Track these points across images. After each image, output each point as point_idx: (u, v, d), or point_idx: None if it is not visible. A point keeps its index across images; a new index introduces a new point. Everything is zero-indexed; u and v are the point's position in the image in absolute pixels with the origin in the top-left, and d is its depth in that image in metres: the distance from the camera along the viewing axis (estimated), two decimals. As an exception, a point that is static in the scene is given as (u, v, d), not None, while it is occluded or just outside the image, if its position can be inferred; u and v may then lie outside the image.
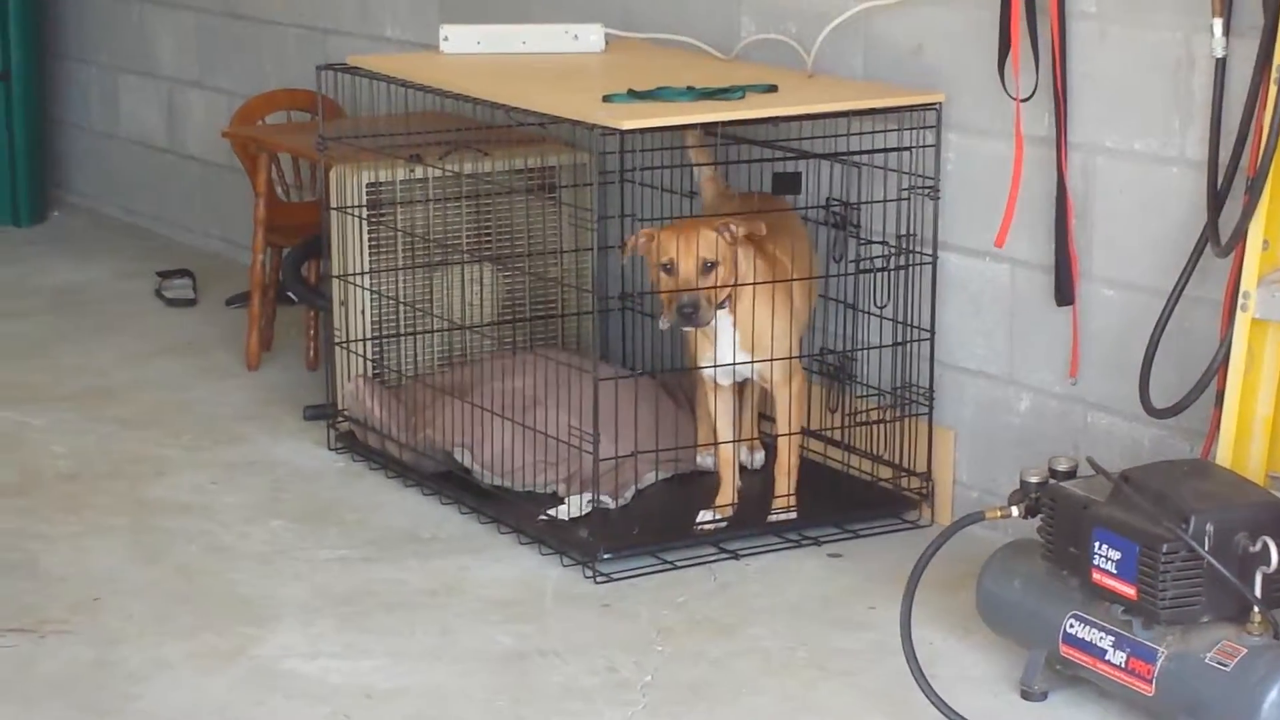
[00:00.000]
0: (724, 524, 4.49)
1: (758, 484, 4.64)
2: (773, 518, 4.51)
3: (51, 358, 5.99)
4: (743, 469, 4.65)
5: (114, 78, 7.68)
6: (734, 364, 4.45)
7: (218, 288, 6.64)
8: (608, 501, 4.51)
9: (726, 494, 4.52)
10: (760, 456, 4.77)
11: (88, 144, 7.91)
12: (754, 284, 4.40)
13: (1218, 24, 3.87)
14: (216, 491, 4.90)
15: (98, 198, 7.88)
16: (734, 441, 4.55)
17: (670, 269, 4.34)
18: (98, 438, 5.28)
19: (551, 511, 4.53)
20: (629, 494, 4.62)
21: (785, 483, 4.52)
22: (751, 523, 4.51)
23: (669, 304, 4.34)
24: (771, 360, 4.45)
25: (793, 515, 4.52)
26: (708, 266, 4.32)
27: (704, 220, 4.46)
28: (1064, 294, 4.31)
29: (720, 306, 4.37)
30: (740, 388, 4.63)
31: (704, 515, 4.50)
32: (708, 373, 4.48)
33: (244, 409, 5.50)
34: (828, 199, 4.73)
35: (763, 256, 4.45)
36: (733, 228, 4.35)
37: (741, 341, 4.43)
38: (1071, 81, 4.26)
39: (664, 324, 4.40)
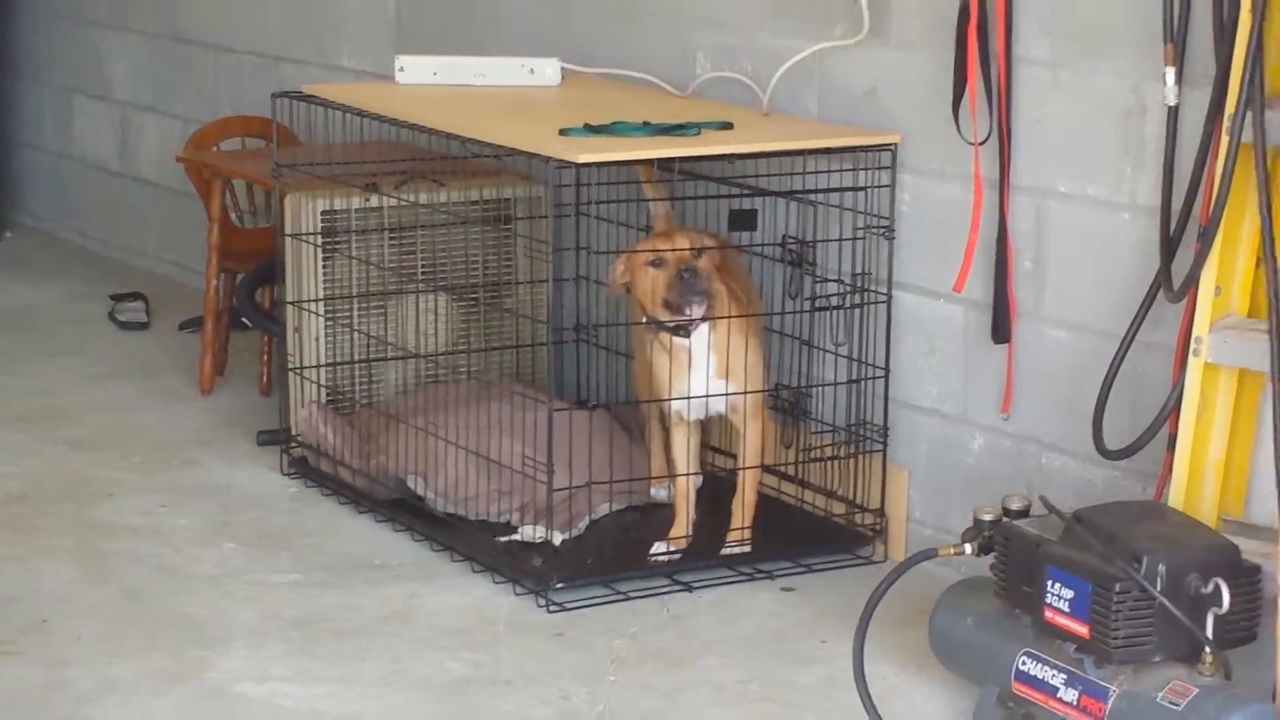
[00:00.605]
0: (678, 556, 4.51)
1: (708, 517, 4.66)
2: (727, 550, 4.53)
3: (2, 378, 5.96)
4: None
5: (69, 99, 7.66)
6: (707, 396, 4.45)
7: (171, 312, 6.62)
8: (558, 535, 4.51)
9: (681, 526, 4.54)
10: (698, 480, 4.78)
11: (42, 165, 7.88)
12: (729, 317, 4.43)
13: (1170, 72, 3.91)
14: (167, 514, 4.89)
15: (51, 220, 7.86)
16: (689, 474, 4.57)
17: (659, 262, 4.35)
18: (47, 459, 5.27)
19: (505, 538, 4.53)
20: (583, 524, 4.63)
21: (742, 516, 4.55)
22: (705, 555, 4.53)
23: (668, 285, 4.31)
24: (745, 393, 4.46)
25: (747, 548, 4.54)
26: (697, 254, 4.35)
27: (673, 230, 4.51)
28: (1000, 332, 4.36)
29: (703, 320, 4.38)
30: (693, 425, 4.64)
31: (658, 547, 4.52)
32: (676, 405, 4.49)
33: (196, 433, 5.49)
34: (784, 236, 4.77)
35: (728, 290, 4.49)
36: (707, 240, 4.39)
37: (717, 369, 4.45)
38: (1022, 126, 4.31)
39: (658, 317, 4.35)
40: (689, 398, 4.46)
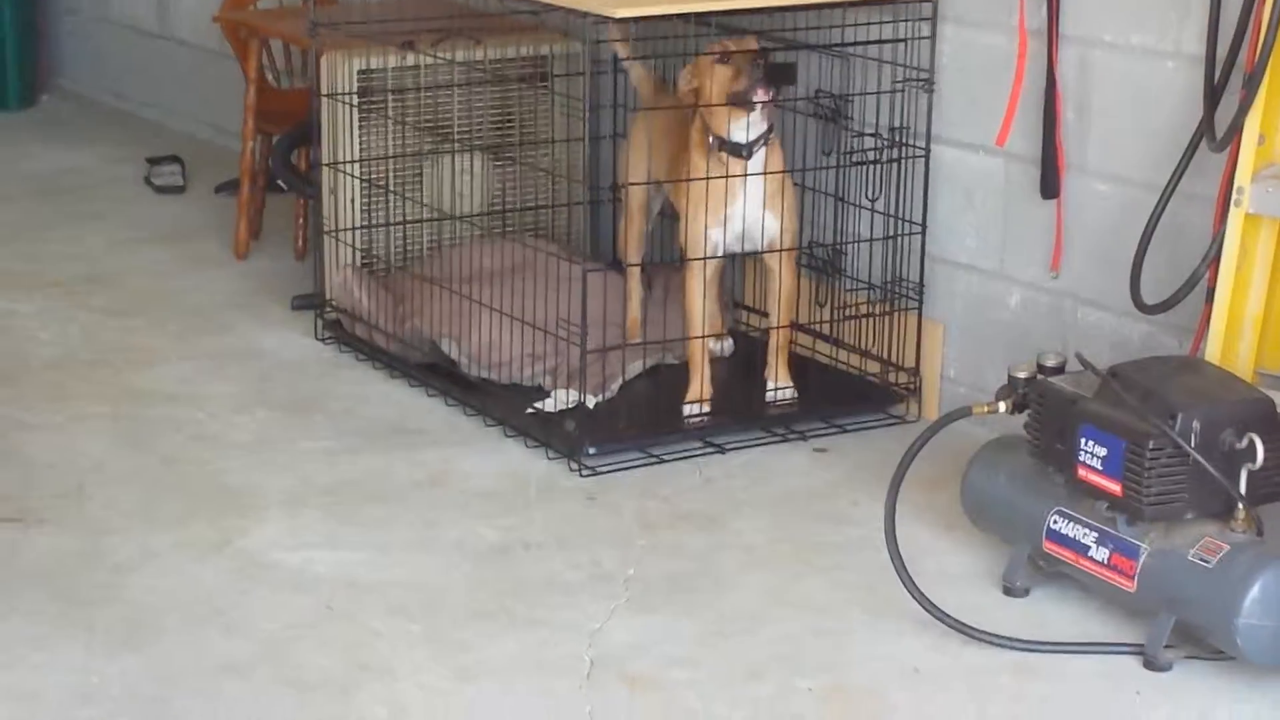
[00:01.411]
0: (708, 414, 4.47)
1: (741, 377, 4.61)
2: (771, 394, 4.51)
3: (38, 244, 5.95)
4: (713, 358, 4.62)
5: (105, -39, 7.61)
6: (777, 231, 4.43)
7: (207, 175, 6.59)
8: (591, 399, 4.48)
9: (697, 387, 4.49)
10: (730, 344, 4.74)
11: (78, 29, 7.84)
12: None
13: (1219, -83, 3.81)
14: (202, 381, 4.88)
15: (87, 83, 7.82)
16: (703, 337, 4.49)
17: (727, 57, 4.33)
18: (83, 325, 5.26)
19: (538, 404, 4.51)
20: (615, 386, 4.59)
21: (784, 361, 4.52)
22: (739, 415, 4.50)
23: (737, 75, 4.31)
24: (780, 225, 4.44)
25: (792, 394, 4.52)
26: (763, 54, 4.37)
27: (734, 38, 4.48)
28: (1049, 188, 4.28)
29: (765, 141, 4.39)
30: (715, 274, 4.57)
31: (689, 409, 4.48)
32: (712, 238, 4.42)
33: (231, 298, 5.47)
34: (816, 91, 4.68)
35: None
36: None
37: (770, 198, 4.42)
38: (1068, -26, 4.21)
39: (719, 126, 4.36)
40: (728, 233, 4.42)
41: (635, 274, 4.80)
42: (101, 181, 6.64)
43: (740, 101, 4.34)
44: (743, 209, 4.41)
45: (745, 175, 4.39)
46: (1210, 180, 3.89)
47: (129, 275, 5.67)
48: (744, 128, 4.38)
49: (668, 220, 4.83)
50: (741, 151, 4.39)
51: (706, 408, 4.49)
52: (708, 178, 4.40)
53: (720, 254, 4.48)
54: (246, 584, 3.82)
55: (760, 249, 4.49)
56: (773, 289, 4.53)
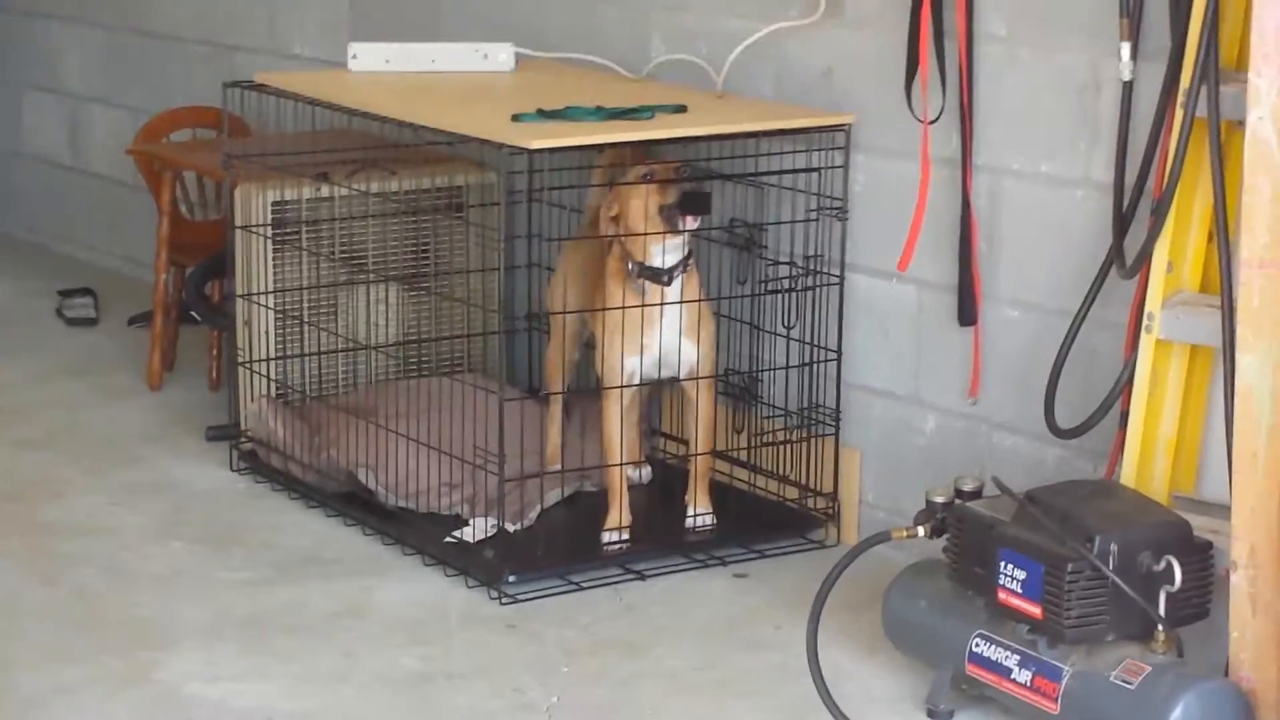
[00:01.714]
0: (627, 541, 4.47)
1: (661, 504, 4.62)
2: (691, 520, 4.53)
3: (-51, 377, 5.92)
4: (631, 485, 4.63)
5: (17, 94, 7.59)
6: (694, 360, 4.46)
7: (120, 307, 6.56)
8: (510, 526, 4.47)
9: (616, 515, 4.50)
10: (648, 471, 4.76)
11: (-12, 161, 7.81)
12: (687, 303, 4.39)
13: (1125, 48, 3.89)
14: (116, 513, 4.83)
15: (-2, 215, 7.79)
16: (620, 465, 4.50)
17: (652, 174, 4.35)
18: (-5, 458, 5.22)
19: (457, 533, 4.49)
20: (533, 514, 4.59)
21: (704, 487, 4.55)
22: (658, 542, 4.50)
23: (665, 192, 4.32)
24: (698, 352, 4.46)
25: (711, 519, 4.54)
26: (687, 169, 4.38)
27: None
28: (966, 314, 4.33)
29: (684, 267, 4.41)
30: (632, 401, 4.59)
31: (608, 537, 4.48)
32: (629, 366, 4.43)
33: (145, 430, 5.43)
34: (731, 220, 4.73)
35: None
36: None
37: (687, 326, 4.44)
38: (979, 103, 4.27)
39: (636, 257, 4.36)
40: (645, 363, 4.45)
41: (558, 402, 4.81)
42: (13, 314, 6.59)
43: (668, 217, 4.34)
44: (659, 336, 4.43)
45: (663, 303, 4.42)
46: (1121, 306, 3.94)
47: (41, 408, 5.63)
48: (664, 252, 4.40)
49: (587, 349, 4.85)
50: (662, 277, 4.40)
51: (626, 535, 4.49)
52: (624, 306, 4.42)
53: (638, 381, 4.50)
54: (162, 718, 3.77)
55: (679, 376, 4.51)
56: (691, 416, 4.54)
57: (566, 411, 4.91)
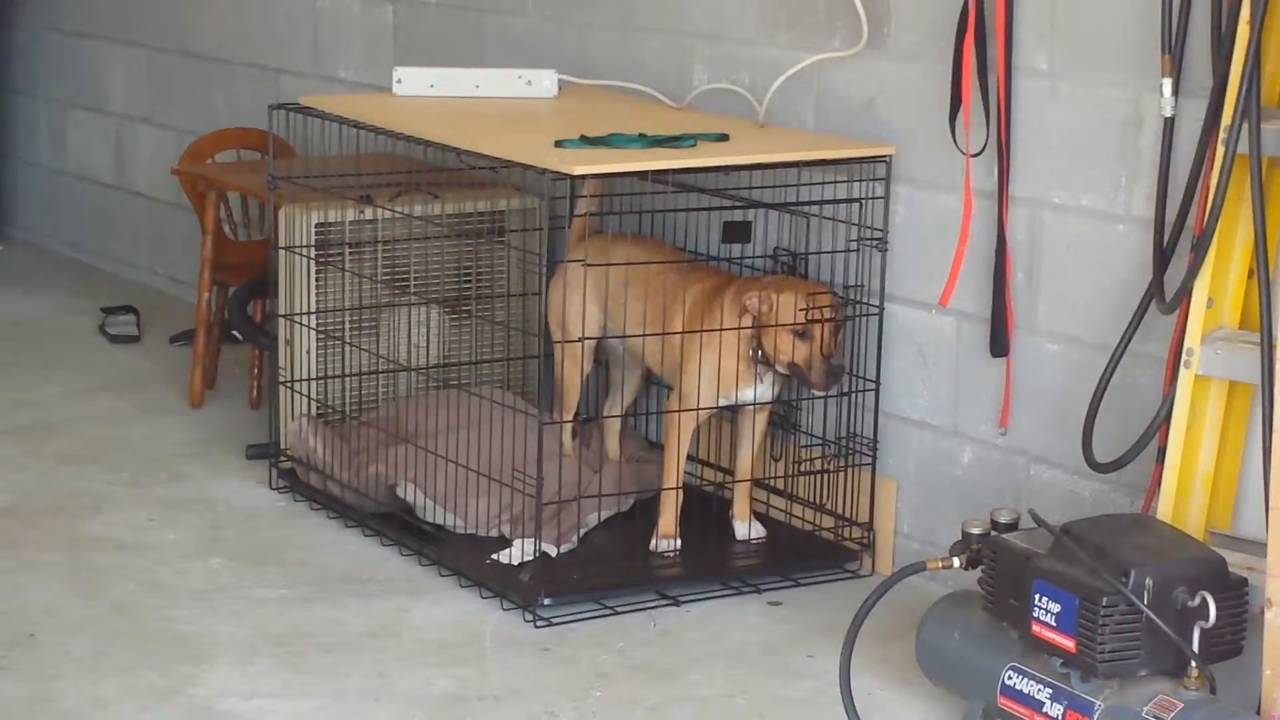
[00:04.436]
0: (678, 549, 4.54)
1: (692, 529, 4.62)
2: (745, 534, 4.62)
3: (-8, 391, 5.96)
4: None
5: (63, 113, 7.65)
6: (769, 397, 4.57)
7: (162, 325, 6.61)
8: (550, 549, 4.49)
9: (669, 522, 4.56)
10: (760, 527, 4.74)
11: (35, 179, 7.87)
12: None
13: (1167, 84, 3.90)
14: (156, 529, 4.86)
15: (43, 233, 7.85)
16: (676, 484, 4.55)
17: (806, 334, 4.40)
18: (36, 473, 5.24)
19: (499, 554, 4.51)
20: (575, 538, 4.60)
21: (746, 501, 4.63)
22: (693, 568, 4.52)
23: (809, 361, 4.39)
24: (773, 390, 4.58)
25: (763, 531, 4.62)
26: (839, 320, 4.45)
27: (805, 282, 4.53)
28: (999, 345, 4.34)
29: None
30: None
31: (663, 544, 4.56)
32: (709, 400, 4.50)
33: (186, 447, 5.47)
34: (775, 249, 4.75)
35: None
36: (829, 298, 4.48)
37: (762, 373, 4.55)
38: (1020, 137, 4.29)
39: (780, 370, 4.46)
40: (759, 402, 4.55)
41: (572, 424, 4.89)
42: (56, 331, 6.65)
43: (798, 373, 4.42)
44: (753, 390, 4.52)
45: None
46: (1160, 341, 3.95)
47: (83, 423, 5.67)
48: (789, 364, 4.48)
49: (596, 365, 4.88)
50: (776, 368, 4.49)
51: (677, 544, 4.52)
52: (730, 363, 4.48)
53: (711, 409, 4.56)
54: (198, 733, 3.81)
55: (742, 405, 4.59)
56: (745, 435, 4.59)
57: (574, 433, 4.93)
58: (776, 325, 4.40)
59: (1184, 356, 3.75)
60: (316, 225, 5.11)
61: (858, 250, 4.58)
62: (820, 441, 4.70)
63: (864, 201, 4.55)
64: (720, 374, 4.48)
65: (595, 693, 4.00)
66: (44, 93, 7.76)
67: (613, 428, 4.92)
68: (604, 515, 4.73)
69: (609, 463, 4.88)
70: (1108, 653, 3.45)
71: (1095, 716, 3.49)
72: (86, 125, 7.52)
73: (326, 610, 4.38)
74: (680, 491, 4.55)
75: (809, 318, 4.39)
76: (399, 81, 5.14)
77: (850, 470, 4.64)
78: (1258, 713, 3.47)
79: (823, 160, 4.51)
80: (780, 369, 4.47)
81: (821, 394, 4.48)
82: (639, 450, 4.97)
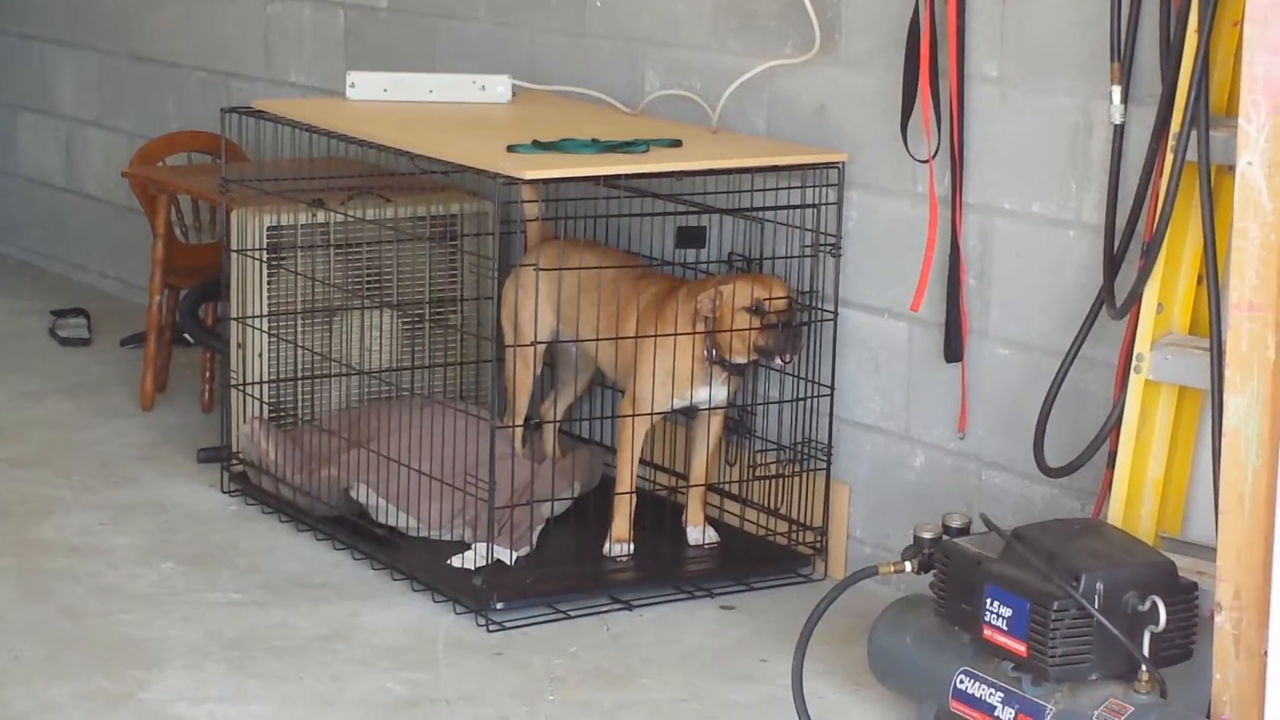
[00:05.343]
0: (631, 553, 4.55)
1: (651, 535, 4.63)
2: (698, 539, 4.61)
3: (-59, 396, 5.92)
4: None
5: (13, 116, 7.61)
6: (724, 400, 4.58)
7: (113, 328, 6.58)
8: (508, 553, 4.48)
9: (622, 526, 4.57)
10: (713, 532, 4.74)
11: (-16, 182, 7.84)
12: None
13: (1116, 91, 3.92)
14: (106, 532, 4.84)
15: (-8, 235, 7.81)
16: (629, 488, 4.55)
17: (759, 309, 4.39)
18: (-14, 476, 5.23)
19: (456, 559, 4.50)
20: (531, 540, 4.58)
21: (700, 506, 4.63)
22: (646, 572, 4.52)
23: (768, 335, 4.38)
24: (728, 392, 4.61)
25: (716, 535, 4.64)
26: (795, 305, 4.45)
27: (762, 276, 4.54)
28: (953, 351, 4.36)
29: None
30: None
31: (616, 549, 4.56)
32: (663, 404, 4.51)
33: (137, 450, 5.45)
34: (729, 254, 4.76)
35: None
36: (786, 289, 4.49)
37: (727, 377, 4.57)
38: (971, 143, 4.31)
39: (734, 357, 4.45)
40: (710, 406, 4.56)
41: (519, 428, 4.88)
42: (6, 334, 6.61)
43: (762, 353, 4.42)
44: (708, 390, 4.53)
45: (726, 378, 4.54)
46: (1110, 346, 3.97)
47: (33, 427, 5.64)
48: (746, 359, 4.49)
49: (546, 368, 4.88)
50: (738, 371, 4.50)
51: (630, 548, 4.53)
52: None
53: (665, 413, 4.58)
54: (149, 738, 3.80)
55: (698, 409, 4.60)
56: (699, 440, 4.60)
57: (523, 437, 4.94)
58: (733, 310, 4.40)
59: (1134, 362, 3.77)
60: (268, 228, 5.10)
61: (812, 256, 4.60)
62: (775, 446, 4.71)
63: (817, 207, 4.57)
64: (674, 375, 4.49)
65: (548, 697, 4.00)
66: (-8, 95, 7.72)
67: (549, 429, 4.93)
68: (557, 509, 4.72)
69: (547, 459, 4.88)
70: (1059, 657, 3.47)
71: (1046, 720, 3.51)
72: (36, 128, 7.48)
73: (278, 614, 4.37)
74: (633, 496, 4.56)
75: (761, 298, 4.40)
76: (353, 86, 5.14)
77: (804, 475, 4.65)
78: (1208, 716, 3.49)
79: (775, 166, 4.52)
80: (738, 357, 4.45)
81: (786, 363, 4.44)
82: (574, 443, 4.99)
